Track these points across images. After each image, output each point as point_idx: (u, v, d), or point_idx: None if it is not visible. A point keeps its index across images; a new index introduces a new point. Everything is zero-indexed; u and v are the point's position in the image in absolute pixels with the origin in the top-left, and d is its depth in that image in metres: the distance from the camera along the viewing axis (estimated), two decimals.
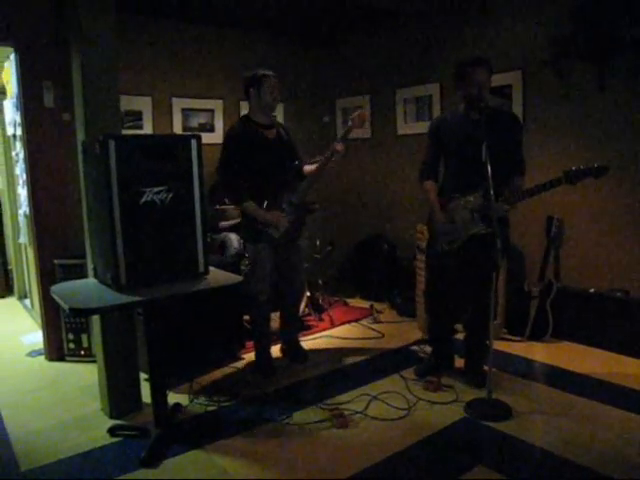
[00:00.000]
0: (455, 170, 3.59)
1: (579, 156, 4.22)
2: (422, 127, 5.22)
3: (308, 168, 3.98)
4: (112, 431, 3.15)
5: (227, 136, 3.85)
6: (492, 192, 3.10)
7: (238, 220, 4.68)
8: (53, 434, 3.17)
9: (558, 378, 3.76)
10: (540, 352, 4.25)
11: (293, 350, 4.25)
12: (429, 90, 5.41)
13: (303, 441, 3.03)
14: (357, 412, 3.31)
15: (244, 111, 5.67)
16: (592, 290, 4.35)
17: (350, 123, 3.89)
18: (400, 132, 5.78)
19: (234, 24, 5.66)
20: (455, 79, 3.50)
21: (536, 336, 4.45)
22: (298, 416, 3.29)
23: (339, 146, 3.83)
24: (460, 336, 3.92)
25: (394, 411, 3.32)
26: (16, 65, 4.19)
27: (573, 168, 3.16)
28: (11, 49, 4.24)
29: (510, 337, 4.53)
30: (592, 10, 4.04)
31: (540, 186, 3.24)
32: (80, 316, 4.08)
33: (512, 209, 3.40)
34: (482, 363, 3.66)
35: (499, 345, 4.25)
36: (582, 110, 4.34)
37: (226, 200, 4.91)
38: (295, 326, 4.37)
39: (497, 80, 4.62)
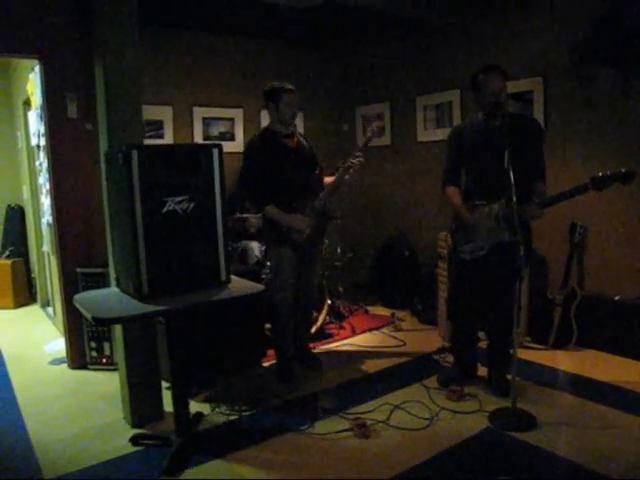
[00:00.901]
0: (477, 177, 3.56)
1: (602, 162, 4.16)
2: (442, 134, 5.20)
3: (328, 179, 4.01)
4: (134, 440, 3.15)
5: (249, 145, 3.93)
6: (515, 199, 3.07)
7: (259, 227, 4.72)
8: (76, 443, 3.19)
9: (583, 387, 3.70)
10: (564, 360, 4.20)
11: (306, 357, 4.24)
12: (449, 97, 5.39)
13: (325, 451, 3.01)
14: (379, 422, 3.28)
15: (264, 119, 5.77)
16: (617, 297, 4.28)
17: (369, 133, 3.92)
18: (420, 139, 5.75)
19: (254, 34, 5.69)
20: (471, 90, 3.50)
21: (560, 344, 4.39)
22: (320, 426, 3.28)
23: (355, 159, 3.84)
24: (483, 344, 3.87)
25: (417, 421, 3.29)
26: (41, 77, 4.25)
27: (600, 174, 3.10)
28: (36, 61, 4.30)
29: (533, 345, 4.47)
30: (614, 15, 3.99)
31: (567, 192, 3.20)
32: (103, 325, 4.10)
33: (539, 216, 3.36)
34: (505, 372, 3.62)
35: (522, 353, 4.20)
36: (605, 116, 4.29)
37: (247, 207, 4.93)
38: (308, 333, 4.35)
39: (518, 86, 4.63)
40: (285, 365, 4.04)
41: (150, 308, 2.63)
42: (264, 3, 4.43)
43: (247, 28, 5.51)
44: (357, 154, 3.86)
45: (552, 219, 4.29)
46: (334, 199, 4.11)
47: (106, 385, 3.99)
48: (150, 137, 5.14)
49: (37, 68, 4.37)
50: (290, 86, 3.83)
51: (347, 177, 3.91)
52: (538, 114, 4.59)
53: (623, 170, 3.09)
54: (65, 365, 4.44)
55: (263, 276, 4.41)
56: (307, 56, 6.22)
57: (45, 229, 5.28)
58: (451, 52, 5.35)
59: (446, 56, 5.40)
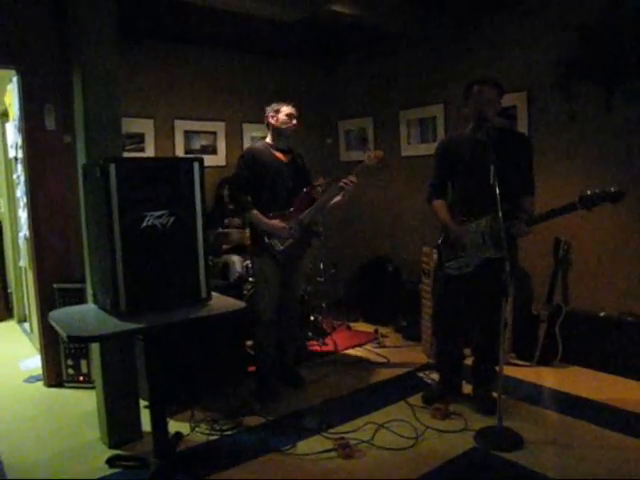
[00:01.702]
0: (464, 192, 3.54)
1: (587, 177, 4.19)
2: (426, 149, 5.20)
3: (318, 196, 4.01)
4: (111, 462, 3.06)
5: (244, 152, 4.03)
6: (501, 215, 3.04)
7: (240, 242, 4.72)
8: (50, 465, 3.08)
9: (569, 405, 3.68)
10: (550, 377, 4.17)
11: (288, 375, 4.18)
12: (433, 111, 5.38)
13: (308, 472, 2.94)
14: (363, 441, 3.21)
15: (247, 133, 5.74)
16: (602, 314, 4.27)
17: (366, 160, 3.89)
18: (404, 153, 5.74)
19: (236, 47, 5.66)
20: (463, 98, 3.49)
21: (545, 361, 4.36)
22: (302, 446, 3.21)
23: (349, 180, 3.82)
24: (468, 361, 3.83)
25: (402, 440, 3.23)
26: (18, 87, 4.18)
27: (589, 192, 3.08)
28: (13, 72, 4.23)
29: (518, 362, 4.44)
30: (600, 32, 4.02)
31: (555, 210, 3.17)
32: (78, 343, 4.00)
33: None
34: (491, 389, 3.59)
35: (507, 370, 4.13)
36: (589, 131, 4.31)
37: (225, 221, 4.92)
38: (291, 349, 4.28)
39: (502, 101, 4.61)
40: (265, 383, 3.98)
41: (128, 326, 2.55)
42: (248, 16, 4.40)
43: (230, 41, 5.48)
44: (350, 176, 3.84)
45: (536, 235, 4.26)
46: (319, 216, 4.08)
47: (83, 404, 3.88)
48: (131, 150, 5.07)
49: (15, 79, 4.30)
50: (289, 104, 3.96)
51: (338, 199, 3.90)
52: (522, 129, 4.60)
53: (613, 189, 3.06)
54: (41, 383, 4.32)
55: (245, 292, 4.35)
56: (291, 70, 6.20)
57: (22, 243, 5.17)
58: (435, 67, 5.36)
59: (430, 71, 5.41)
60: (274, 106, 3.95)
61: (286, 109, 3.93)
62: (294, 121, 3.95)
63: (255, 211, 3.83)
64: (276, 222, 3.83)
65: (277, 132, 3.95)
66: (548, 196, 3.69)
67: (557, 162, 4.49)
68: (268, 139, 4.03)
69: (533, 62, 4.55)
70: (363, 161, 3.90)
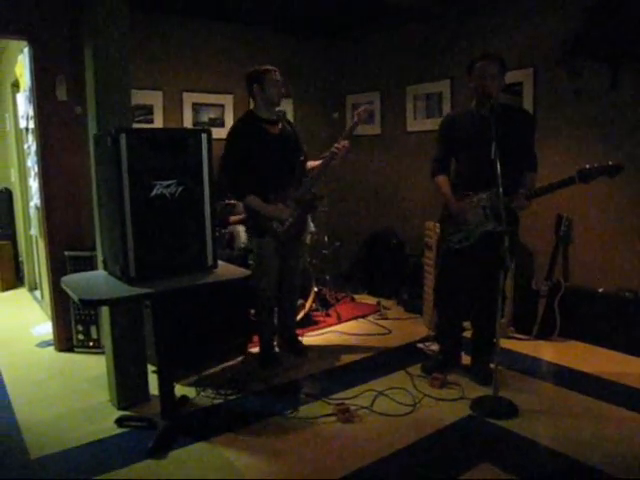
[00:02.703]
0: (466, 167, 3.59)
1: (590, 154, 4.21)
2: (432, 124, 5.22)
3: (312, 164, 3.99)
4: (120, 422, 3.18)
5: (230, 132, 3.86)
6: (501, 190, 3.09)
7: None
8: (62, 424, 3.21)
9: (565, 377, 3.76)
10: (547, 351, 4.25)
11: (291, 344, 4.27)
12: (440, 87, 5.40)
13: (309, 435, 3.05)
14: (363, 407, 3.32)
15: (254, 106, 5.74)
16: (601, 290, 4.34)
17: (355, 118, 3.89)
18: (410, 129, 5.77)
19: (245, 20, 5.67)
20: (467, 74, 3.52)
21: (543, 335, 4.44)
22: (304, 410, 3.31)
23: (340, 144, 3.84)
24: (467, 334, 3.91)
25: (400, 407, 3.33)
26: (30, 58, 4.22)
27: (587, 166, 3.13)
28: (25, 42, 4.27)
29: (517, 335, 4.52)
30: (606, 8, 4.02)
31: (553, 184, 3.23)
32: (89, 307, 4.12)
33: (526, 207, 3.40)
34: (488, 361, 3.67)
35: (506, 343, 4.26)
36: (594, 108, 4.32)
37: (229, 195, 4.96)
38: (293, 320, 4.37)
39: (508, 78, 4.60)
40: (268, 351, 4.08)
41: (137, 291, 2.65)
42: None
43: (239, 15, 5.48)
44: (342, 140, 3.86)
45: (538, 211, 4.35)
46: (318, 186, 4.07)
47: (93, 368, 4.00)
48: (139, 122, 5.13)
49: (26, 50, 4.34)
50: (272, 67, 3.80)
51: (333, 163, 3.89)
52: (527, 106, 4.62)
53: (610, 163, 3.12)
54: (52, 348, 4.45)
55: (250, 262, 4.42)
56: (298, 44, 6.21)
57: (33, 212, 5.26)
58: (442, 42, 5.36)
59: (437, 46, 5.41)
60: (257, 72, 3.76)
61: (273, 75, 3.74)
62: (282, 88, 3.81)
63: (252, 196, 3.74)
64: (275, 207, 3.77)
65: (264, 102, 3.79)
66: (551, 173, 3.73)
67: (562, 139, 4.53)
68: (255, 109, 3.85)
69: (539, 39, 4.55)
70: (355, 123, 3.88)
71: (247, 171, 3.76)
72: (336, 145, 3.84)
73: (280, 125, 3.91)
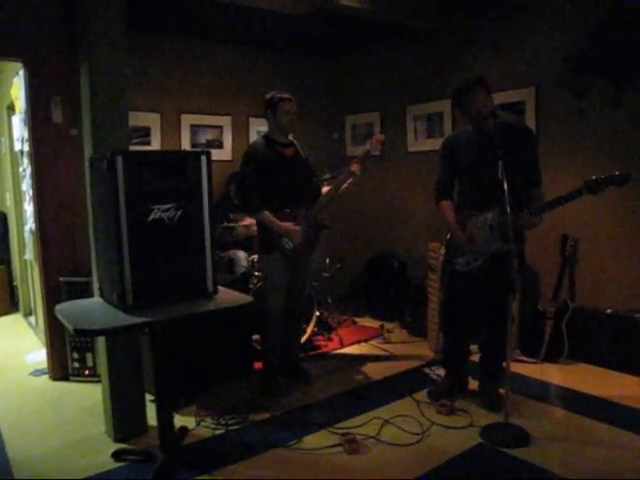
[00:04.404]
0: (470, 187, 3.53)
1: (594, 173, 4.12)
2: (433, 144, 5.17)
3: (325, 189, 4.02)
4: (117, 455, 3.06)
5: (247, 151, 3.92)
6: (509, 208, 3.02)
7: (246, 236, 4.77)
8: (55, 458, 3.09)
9: (575, 402, 3.66)
10: (556, 374, 4.16)
11: (295, 370, 4.18)
12: (440, 107, 5.36)
13: (314, 467, 2.94)
14: (369, 437, 3.21)
15: (253, 127, 5.73)
16: (609, 311, 4.25)
17: (368, 147, 3.92)
18: (411, 149, 5.73)
19: (244, 41, 5.65)
20: (456, 108, 3.51)
21: (551, 357, 4.35)
22: (308, 440, 3.21)
23: (355, 167, 3.87)
24: (475, 358, 3.82)
25: (407, 436, 3.22)
26: (25, 81, 4.17)
27: (594, 177, 3.07)
28: (20, 65, 4.22)
29: (525, 358, 4.42)
30: (609, 27, 3.99)
31: (561, 198, 3.15)
32: (85, 337, 4.01)
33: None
34: (497, 386, 3.59)
35: (513, 367, 4.10)
36: (597, 127, 4.28)
37: (231, 216, 4.92)
38: (297, 344, 4.28)
39: (510, 97, 4.64)
40: (271, 377, 3.98)
41: (134, 320, 2.55)
42: (255, 10, 4.38)
43: (237, 35, 5.46)
44: (355, 165, 3.88)
45: (543, 231, 4.27)
46: (327, 210, 4.10)
47: (88, 397, 3.88)
48: (137, 144, 5.07)
49: (21, 72, 4.29)
50: (288, 95, 3.87)
51: (344, 187, 3.92)
52: (530, 124, 4.56)
53: (617, 173, 3.06)
54: (46, 376, 4.34)
55: (251, 286, 4.35)
56: (297, 64, 6.19)
57: (28, 237, 5.18)
58: (442, 62, 5.33)
59: (437, 66, 5.38)
60: (273, 99, 3.84)
61: (288, 105, 3.84)
62: (295, 117, 3.91)
63: (266, 212, 3.78)
64: (288, 224, 3.81)
65: (276, 127, 3.89)
66: (556, 191, 3.66)
67: (565, 157, 4.46)
68: (269, 133, 3.95)
69: (541, 57, 4.52)
70: (368, 150, 3.92)
71: (261, 190, 3.81)
72: (350, 169, 3.88)
73: (294, 149, 3.99)
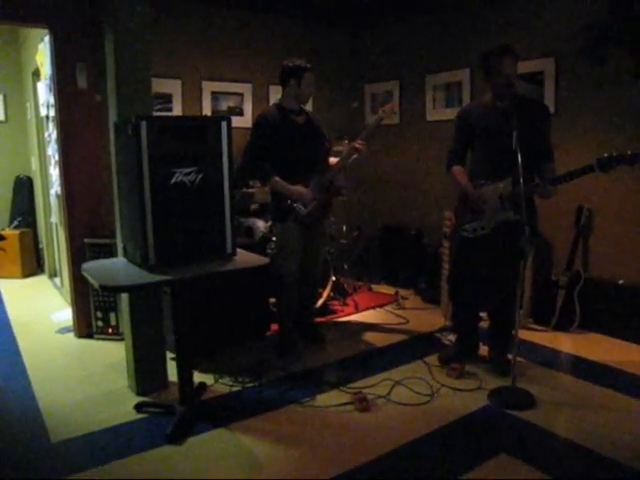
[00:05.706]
0: (483, 157, 3.56)
1: (612, 144, 4.13)
2: (451, 113, 5.13)
3: (333, 160, 4.06)
4: (139, 407, 3.21)
5: (258, 119, 3.92)
6: (522, 179, 3.07)
7: (263, 203, 4.83)
8: (82, 408, 3.25)
9: (584, 369, 3.73)
10: (566, 343, 4.22)
11: (310, 332, 4.29)
12: (459, 76, 5.36)
13: (325, 423, 3.05)
14: (380, 396, 3.33)
15: (273, 95, 5.73)
16: (621, 281, 4.29)
17: (381, 114, 3.97)
18: (429, 118, 5.73)
19: (264, 8, 5.65)
20: (482, 70, 3.49)
21: (562, 326, 4.41)
22: (321, 398, 3.33)
23: (358, 144, 3.91)
24: (484, 324, 3.90)
25: (417, 397, 3.33)
26: (50, 47, 4.25)
27: (606, 155, 3.09)
28: (46, 31, 4.30)
29: (536, 327, 4.49)
30: None
31: (573, 173, 3.17)
32: (110, 293, 4.16)
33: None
34: (506, 352, 3.66)
35: (524, 334, 4.23)
36: (617, 98, 4.25)
37: (250, 182, 4.98)
38: (312, 307, 4.39)
39: (529, 67, 4.60)
40: (286, 338, 4.10)
41: (157, 278, 2.67)
42: None
43: (258, 3, 5.47)
44: (363, 137, 3.93)
45: (558, 202, 4.30)
46: (341, 177, 4.17)
47: (112, 354, 4.05)
48: (159, 110, 5.13)
49: (46, 38, 4.37)
50: (310, 65, 3.86)
51: (354, 157, 3.97)
52: (549, 95, 4.57)
53: (629, 152, 3.07)
54: (72, 334, 4.51)
55: (268, 250, 4.44)
56: (317, 33, 6.18)
57: (53, 200, 5.31)
58: (462, 31, 5.30)
59: (457, 35, 5.36)
60: (298, 68, 3.80)
61: (309, 77, 3.82)
62: (314, 87, 3.93)
63: (277, 178, 3.83)
64: (299, 187, 3.86)
65: (295, 96, 3.88)
66: (573, 163, 3.69)
67: (583, 128, 4.46)
68: (282, 101, 3.94)
69: (562, 27, 4.48)
70: (380, 118, 3.99)
71: (272, 157, 3.85)
72: (358, 140, 3.92)
73: (304, 115, 4.00)
